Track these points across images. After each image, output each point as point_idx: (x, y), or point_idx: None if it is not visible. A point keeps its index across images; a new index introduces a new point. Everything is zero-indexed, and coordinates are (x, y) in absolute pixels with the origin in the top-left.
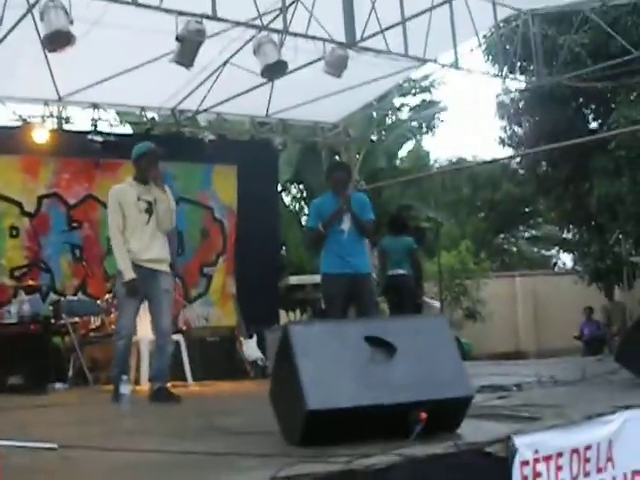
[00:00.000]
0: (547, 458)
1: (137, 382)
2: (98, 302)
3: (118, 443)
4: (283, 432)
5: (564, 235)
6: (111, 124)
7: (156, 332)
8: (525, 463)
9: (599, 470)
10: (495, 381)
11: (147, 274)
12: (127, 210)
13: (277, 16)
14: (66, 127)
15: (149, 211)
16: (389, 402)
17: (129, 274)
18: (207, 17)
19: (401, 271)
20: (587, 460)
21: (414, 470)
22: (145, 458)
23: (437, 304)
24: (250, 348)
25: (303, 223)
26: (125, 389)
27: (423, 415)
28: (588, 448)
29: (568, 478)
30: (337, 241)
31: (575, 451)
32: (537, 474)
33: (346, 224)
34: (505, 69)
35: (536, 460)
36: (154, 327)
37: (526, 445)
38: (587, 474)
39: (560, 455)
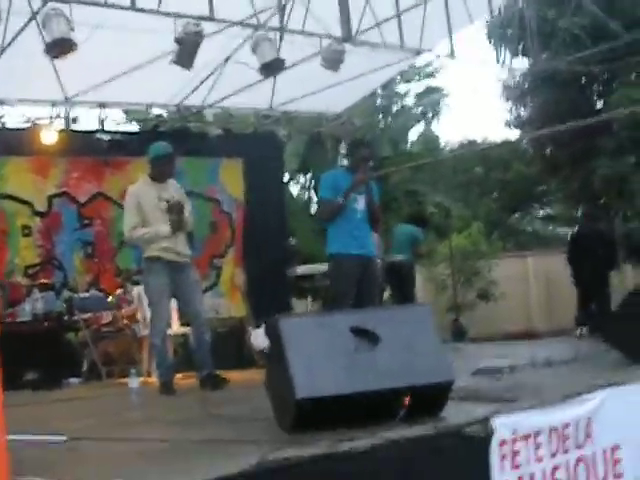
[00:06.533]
0: (525, 437)
1: (149, 374)
2: (109, 298)
3: (124, 433)
4: (277, 419)
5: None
6: (118, 123)
7: (193, 322)
8: (504, 442)
9: (578, 447)
10: (492, 363)
11: (175, 267)
12: (148, 211)
13: (274, 14)
14: (74, 127)
15: (170, 210)
16: (373, 389)
17: (163, 230)
18: (204, 18)
19: (400, 257)
20: (566, 437)
21: (396, 452)
22: (147, 447)
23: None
24: (258, 337)
25: (312, 212)
26: (134, 382)
27: (406, 400)
28: (566, 426)
29: (547, 455)
30: (351, 220)
31: (554, 429)
32: (515, 452)
33: (360, 204)
34: (507, 52)
35: (514, 440)
36: (191, 318)
37: (504, 425)
38: (566, 450)
39: (538, 434)
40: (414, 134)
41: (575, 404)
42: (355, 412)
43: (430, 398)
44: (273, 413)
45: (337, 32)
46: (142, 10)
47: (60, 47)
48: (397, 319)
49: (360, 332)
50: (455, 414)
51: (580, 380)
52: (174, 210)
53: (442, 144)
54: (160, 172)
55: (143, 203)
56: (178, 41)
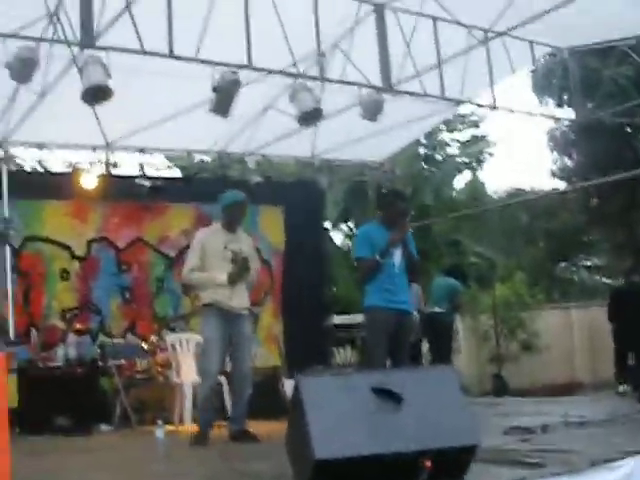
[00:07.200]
0: None
1: (181, 422)
2: (143, 345)
3: None
4: (295, 478)
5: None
6: (158, 168)
7: (237, 377)
8: None
9: None
10: (525, 422)
11: (230, 317)
12: (211, 257)
13: (314, 63)
14: (114, 172)
15: (235, 261)
16: (395, 451)
17: (220, 278)
18: (243, 67)
19: (438, 309)
20: None
21: None
22: None
23: None
24: (291, 388)
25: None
26: (160, 433)
27: (428, 463)
28: None
29: None
30: (387, 274)
31: None
32: None
33: (397, 258)
34: (551, 102)
35: None
36: (236, 372)
37: None
38: None
39: None
40: (458, 183)
41: (604, 471)
42: (375, 474)
43: (453, 461)
44: (292, 472)
45: (377, 81)
46: (180, 58)
47: (96, 94)
48: (421, 380)
49: (383, 393)
50: (479, 478)
51: (612, 445)
52: (238, 262)
53: (489, 193)
54: (231, 220)
55: (208, 248)
56: (215, 89)
